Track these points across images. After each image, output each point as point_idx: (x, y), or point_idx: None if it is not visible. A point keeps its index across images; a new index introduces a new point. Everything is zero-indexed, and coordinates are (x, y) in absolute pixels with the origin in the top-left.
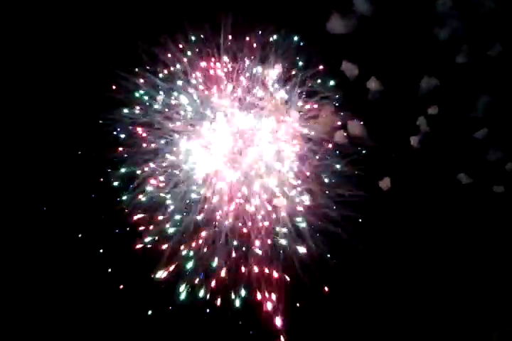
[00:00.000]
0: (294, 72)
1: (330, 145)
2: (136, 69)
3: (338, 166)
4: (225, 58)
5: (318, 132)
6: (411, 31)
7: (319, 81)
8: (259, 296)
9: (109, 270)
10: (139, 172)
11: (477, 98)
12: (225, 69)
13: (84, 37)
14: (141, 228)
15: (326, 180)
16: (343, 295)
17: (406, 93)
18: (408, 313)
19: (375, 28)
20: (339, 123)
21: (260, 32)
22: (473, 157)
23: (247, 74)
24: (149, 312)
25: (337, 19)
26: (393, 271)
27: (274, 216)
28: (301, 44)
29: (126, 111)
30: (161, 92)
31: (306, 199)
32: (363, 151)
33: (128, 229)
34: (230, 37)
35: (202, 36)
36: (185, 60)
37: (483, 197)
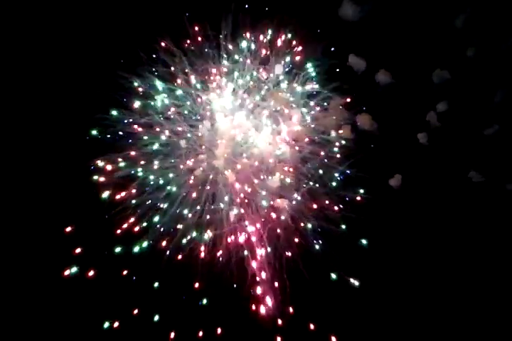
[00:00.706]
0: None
1: (333, 146)
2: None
3: (341, 167)
4: (226, 58)
5: (326, 128)
6: (422, 23)
7: (323, 78)
8: None
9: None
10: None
11: (490, 93)
12: (226, 69)
13: (84, 38)
14: None
15: (329, 181)
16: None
17: (416, 86)
18: (414, 313)
19: (384, 20)
20: (347, 118)
21: (262, 29)
22: (485, 154)
23: (249, 73)
24: None
25: (349, 7)
26: (402, 272)
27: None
28: (304, 41)
29: (125, 111)
30: (160, 93)
31: (309, 201)
32: (368, 150)
33: None
34: (231, 35)
35: (203, 35)
36: (185, 60)
37: (495, 196)
